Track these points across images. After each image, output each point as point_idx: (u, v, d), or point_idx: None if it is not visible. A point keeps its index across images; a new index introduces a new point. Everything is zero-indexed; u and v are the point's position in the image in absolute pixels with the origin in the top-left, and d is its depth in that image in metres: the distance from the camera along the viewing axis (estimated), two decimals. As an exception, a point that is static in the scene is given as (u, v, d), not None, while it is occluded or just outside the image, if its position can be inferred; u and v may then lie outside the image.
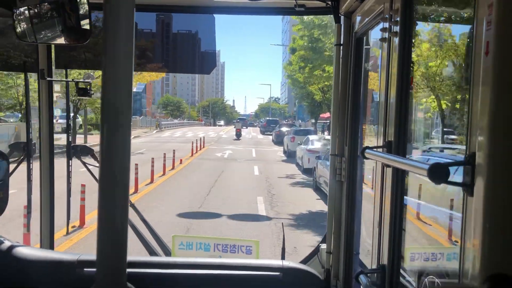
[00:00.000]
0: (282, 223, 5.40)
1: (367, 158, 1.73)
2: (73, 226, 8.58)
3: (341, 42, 2.45)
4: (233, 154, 28.69)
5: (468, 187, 1.06)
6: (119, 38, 0.84)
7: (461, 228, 1.11)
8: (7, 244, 1.96)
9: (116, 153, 0.85)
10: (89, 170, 2.73)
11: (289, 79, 37.58)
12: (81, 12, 2.08)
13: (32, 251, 2.03)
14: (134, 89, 73.18)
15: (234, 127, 51.03)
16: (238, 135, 46.36)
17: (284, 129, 39.68)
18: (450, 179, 1.07)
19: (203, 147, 32.52)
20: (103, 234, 0.87)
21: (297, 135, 26.55)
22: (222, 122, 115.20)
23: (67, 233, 3.84)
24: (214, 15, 2.67)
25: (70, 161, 2.89)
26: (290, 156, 25.68)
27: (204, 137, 38.64)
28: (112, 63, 0.85)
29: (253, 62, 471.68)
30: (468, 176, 1.06)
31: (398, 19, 1.61)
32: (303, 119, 63.32)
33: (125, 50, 0.85)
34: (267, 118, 63.39)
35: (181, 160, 21.32)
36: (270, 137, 45.73)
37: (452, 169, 1.08)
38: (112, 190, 0.87)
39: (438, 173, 1.09)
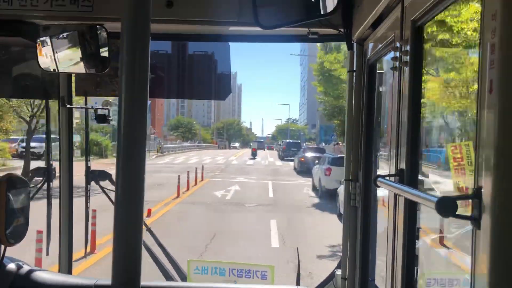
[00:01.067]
0: (297, 248, 4.12)
1: (379, 186, 1.83)
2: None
3: (354, 69, 2.55)
4: (241, 192, 20.84)
5: (476, 220, 1.11)
6: (135, 66, 0.91)
7: (471, 261, 1.16)
8: (26, 268, 2.06)
9: (131, 177, 0.90)
10: (106, 194, 2.95)
11: (320, 86, 27.84)
12: (100, 41, 2.31)
13: (51, 276, 2.16)
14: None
15: (250, 147, 57.19)
16: (254, 154, 52.01)
17: (309, 154, 29.85)
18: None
19: (202, 179, 25.19)
20: (119, 258, 0.91)
21: (336, 166, 18.52)
22: (237, 144, 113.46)
23: (85, 255, 3.80)
24: (229, 43, 2.84)
25: (89, 185, 3.07)
26: (325, 197, 18.58)
27: (208, 164, 34.00)
28: (128, 91, 0.91)
29: (271, 84, 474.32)
30: (476, 210, 1.12)
31: (408, 48, 1.70)
32: (326, 141, 53.28)
33: (140, 78, 0.91)
34: (287, 141, 53.94)
35: (149, 211, 11.70)
36: (291, 163, 39.34)
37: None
38: (127, 214, 0.91)
39: (446, 206, 1.15)
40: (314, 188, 21.00)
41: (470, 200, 1.14)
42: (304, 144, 54.64)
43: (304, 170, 29.35)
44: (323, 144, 52.31)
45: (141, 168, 0.91)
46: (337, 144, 39.78)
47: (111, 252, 0.92)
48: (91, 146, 38.64)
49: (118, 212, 0.91)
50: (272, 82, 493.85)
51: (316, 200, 18.57)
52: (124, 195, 0.91)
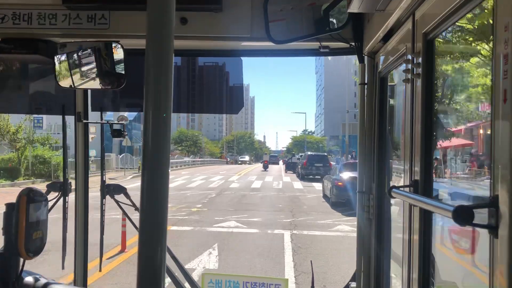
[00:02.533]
0: (311, 261, 4.34)
1: (393, 197, 1.99)
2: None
3: (366, 81, 2.78)
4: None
5: (493, 229, 1.18)
6: (159, 82, 0.98)
7: (489, 270, 1.24)
8: (43, 281, 2.12)
9: (155, 193, 0.99)
10: (121, 208, 3.30)
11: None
12: (116, 58, 2.52)
13: None
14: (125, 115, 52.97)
15: (262, 161, 59.88)
16: (266, 166, 53.96)
17: (350, 175, 19.19)
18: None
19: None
20: (143, 273, 0.99)
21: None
22: (246, 158, 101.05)
23: (100, 270, 3.63)
24: (242, 57, 3.26)
25: (104, 199, 3.39)
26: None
27: (194, 189, 24.55)
28: (152, 106, 0.99)
29: (285, 95, 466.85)
30: (493, 218, 1.18)
31: (420, 61, 1.86)
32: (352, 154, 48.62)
33: (164, 94, 0.99)
34: (309, 153, 41.02)
35: None
36: (316, 186, 28.59)
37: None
38: (151, 230, 0.99)
39: (463, 215, 1.20)
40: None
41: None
42: (342, 159, 42.39)
43: (343, 201, 19.12)
44: (350, 158, 39.63)
45: (165, 182, 0.99)
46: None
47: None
48: (36, 164, 31.71)
49: (143, 226, 0.98)
50: (286, 93, 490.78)
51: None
52: (148, 209, 0.98)
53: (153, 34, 0.98)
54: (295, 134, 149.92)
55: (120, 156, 47.31)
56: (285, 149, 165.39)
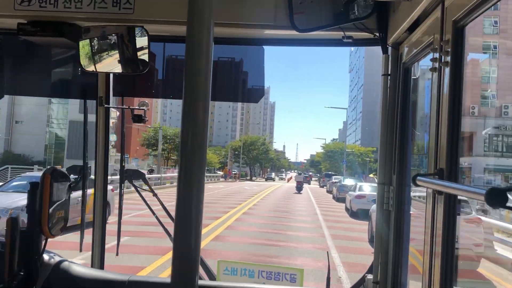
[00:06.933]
0: (327, 252, 4.86)
1: (418, 186, 1.92)
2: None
3: (389, 72, 2.81)
4: None
5: None
6: (198, 70, 1.01)
7: None
8: (62, 261, 2.36)
9: (192, 176, 1.03)
10: (140, 194, 3.32)
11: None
12: (139, 43, 2.57)
13: (84, 270, 2.48)
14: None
15: (295, 179, 54.00)
16: (299, 188, 47.44)
17: None
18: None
19: None
20: (178, 259, 1.03)
21: None
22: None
23: (117, 254, 3.48)
24: (264, 46, 3.23)
25: (123, 184, 3.47)
26: None
27: None
28: (191, 94, 1.02)
29: (309, 101, 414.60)
30: None
31: (449, 49, 1.89)
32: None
33: (203, 81, 1.02)
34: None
35: None
36: None
37: None
38: (188, 215, 1.02)
39: (496, 197, 1.20)
40: None
41: None
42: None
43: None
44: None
45: (202, 167, 1.03)
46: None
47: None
48: None
49: (178, 212, 1.01)
50: (310, 99, 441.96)
51: None
52: (185, 195, 1.01)
53: (194, 21, 1.01)
54: (323, 142, 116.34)
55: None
56: (305, 162, 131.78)
